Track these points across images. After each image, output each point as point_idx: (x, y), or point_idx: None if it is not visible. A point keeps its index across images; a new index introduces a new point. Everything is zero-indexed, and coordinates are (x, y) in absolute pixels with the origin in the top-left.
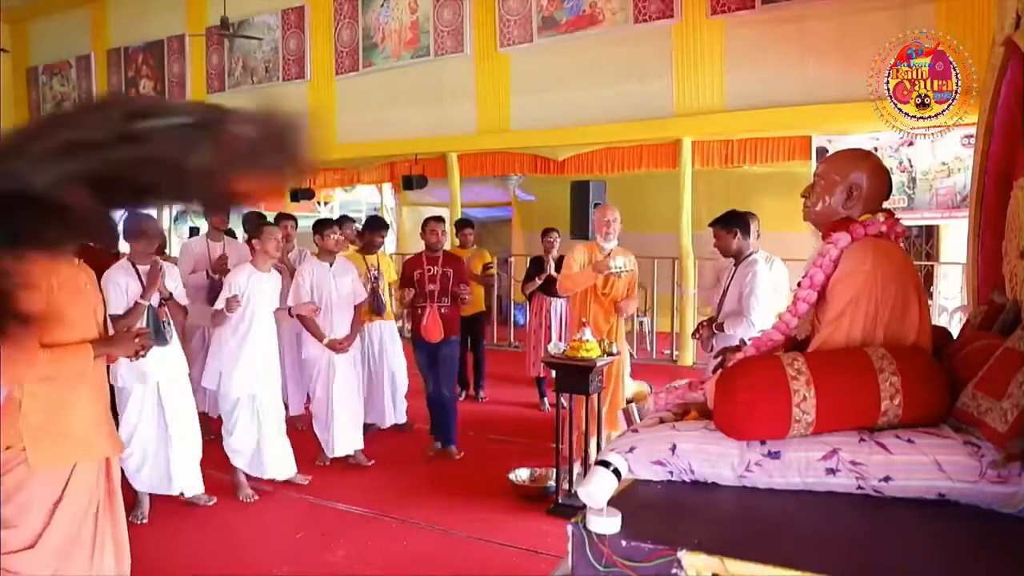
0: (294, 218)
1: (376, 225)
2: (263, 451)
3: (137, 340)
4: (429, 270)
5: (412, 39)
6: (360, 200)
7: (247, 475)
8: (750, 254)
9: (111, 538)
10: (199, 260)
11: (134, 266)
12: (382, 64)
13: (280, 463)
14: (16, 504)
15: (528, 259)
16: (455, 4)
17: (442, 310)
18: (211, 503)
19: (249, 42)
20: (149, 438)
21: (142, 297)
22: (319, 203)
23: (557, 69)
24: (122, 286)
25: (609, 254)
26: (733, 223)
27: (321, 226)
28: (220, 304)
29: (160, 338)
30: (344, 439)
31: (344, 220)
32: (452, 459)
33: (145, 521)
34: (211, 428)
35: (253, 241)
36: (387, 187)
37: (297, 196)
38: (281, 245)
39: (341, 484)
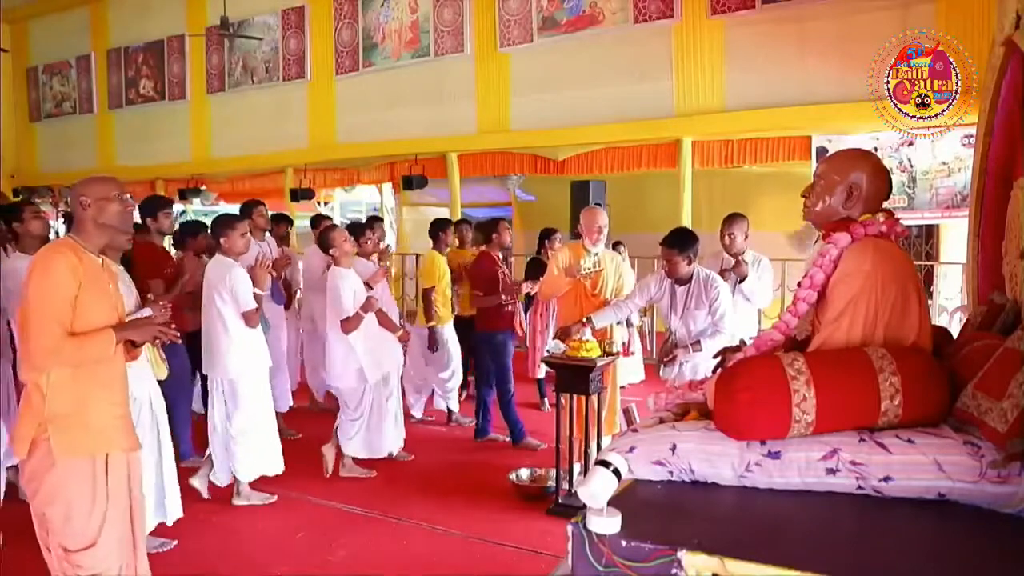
0: (290, 219)
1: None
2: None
3: (159, 328)
4: (503, 270)
5: (412, 39)
6: (360, 200)
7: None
8: (693, 273)
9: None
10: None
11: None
12: (382, 64)
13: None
14: (64, 501)
15: (527, 259)
16: (455, 4)
17: None
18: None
19: (249, 42)
20: (262, 423)
21: (258, 288)
22: (319, 203)
23: (557, 69)
24: (250, 283)
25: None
26: (690, 249)
27: (357, 231)
28: (349, 312)
29: (265, 325)
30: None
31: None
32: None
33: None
34: None
35: (331, 251)
36: (387, 187)
37: (297, 196)
38: (353, 241)
39: (341, 484)
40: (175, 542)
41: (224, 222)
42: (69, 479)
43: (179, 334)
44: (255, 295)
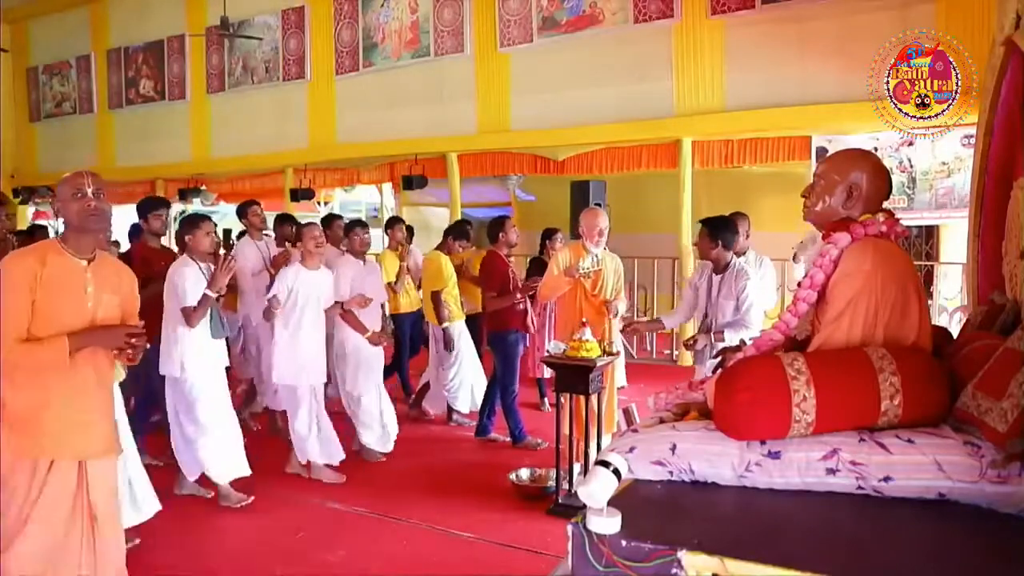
0: (295, 220)
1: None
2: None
3: (127, 336)
4: (512, 268)
5: (412, 39)
6: (360, 200)
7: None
8: (730, 263)
9: (97, 548)
10: (254, 261)
11: (196, 262)
12: (382, 64)
13: (331, 449)
14: (5, 498)
15: (528, 259)
16: (455, 4)
17: None
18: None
19: (249, 42)
20: (224, 425)
21: (210, 289)
22: (319, 203)
23: (557, 69)
24: (194, 280)
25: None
26: (718, 233)
27: (350, 228)
28: (268, 302)
29: (222, 330)
30: (392, 432)
31: (333, 218)
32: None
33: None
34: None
35: (298, 244)
36: (387, 187)
37: (297, 196)
38: (322, 242)
39: (341, 484)
40: (137, 540)
41: (189, 221)
42: (10, 477)
43: (148, 345)
44: (205, 296)
